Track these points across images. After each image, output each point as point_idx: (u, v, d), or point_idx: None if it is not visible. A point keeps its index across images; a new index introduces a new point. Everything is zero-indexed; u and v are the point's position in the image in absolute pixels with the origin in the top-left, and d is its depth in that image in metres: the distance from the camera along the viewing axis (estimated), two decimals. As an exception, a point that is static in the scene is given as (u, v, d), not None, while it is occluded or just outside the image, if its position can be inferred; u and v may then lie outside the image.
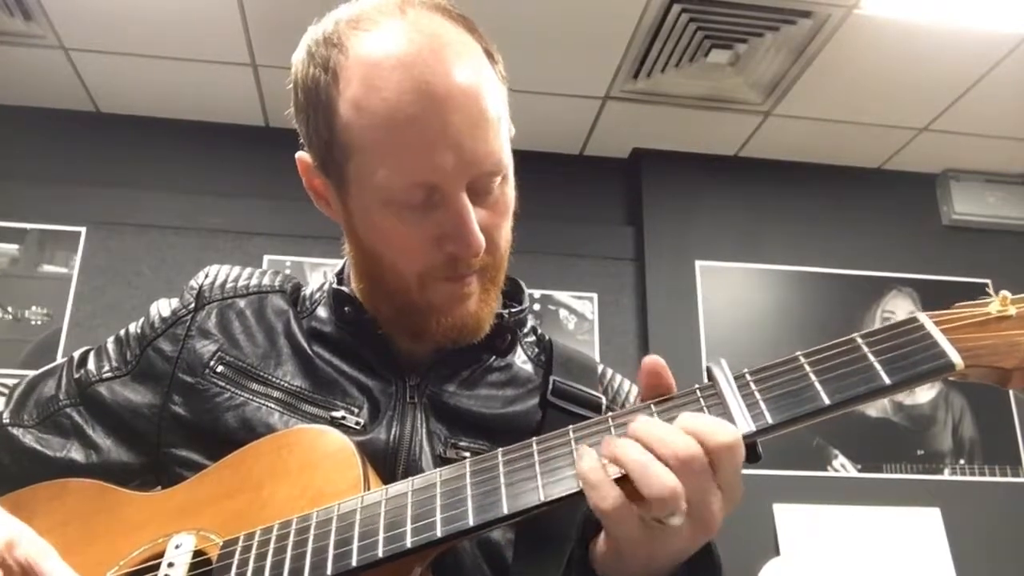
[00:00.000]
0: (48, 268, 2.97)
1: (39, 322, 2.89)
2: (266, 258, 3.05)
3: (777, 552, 2.90)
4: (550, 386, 0.94)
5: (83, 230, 3.02)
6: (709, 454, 0.64)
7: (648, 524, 0.65)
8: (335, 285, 0.96)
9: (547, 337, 1.03)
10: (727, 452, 0.64)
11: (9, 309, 2.90)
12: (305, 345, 0.94)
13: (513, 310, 0.96)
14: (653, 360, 0.72)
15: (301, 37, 0.89)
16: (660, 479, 0.63)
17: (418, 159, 0.79)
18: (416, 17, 0.82)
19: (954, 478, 3.13)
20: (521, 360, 0.98)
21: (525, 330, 1.01)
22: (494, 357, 0.96)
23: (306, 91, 0.85)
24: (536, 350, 1.01)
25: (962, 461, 3.16)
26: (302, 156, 0.91)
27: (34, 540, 0.78)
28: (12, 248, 2.97)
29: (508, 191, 0.87)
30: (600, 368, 1.02)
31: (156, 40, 2.83)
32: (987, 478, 3.14)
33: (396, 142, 0.79)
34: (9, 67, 2.97)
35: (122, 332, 1.00)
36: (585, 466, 0.66)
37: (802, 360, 0.69)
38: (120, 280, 2.96)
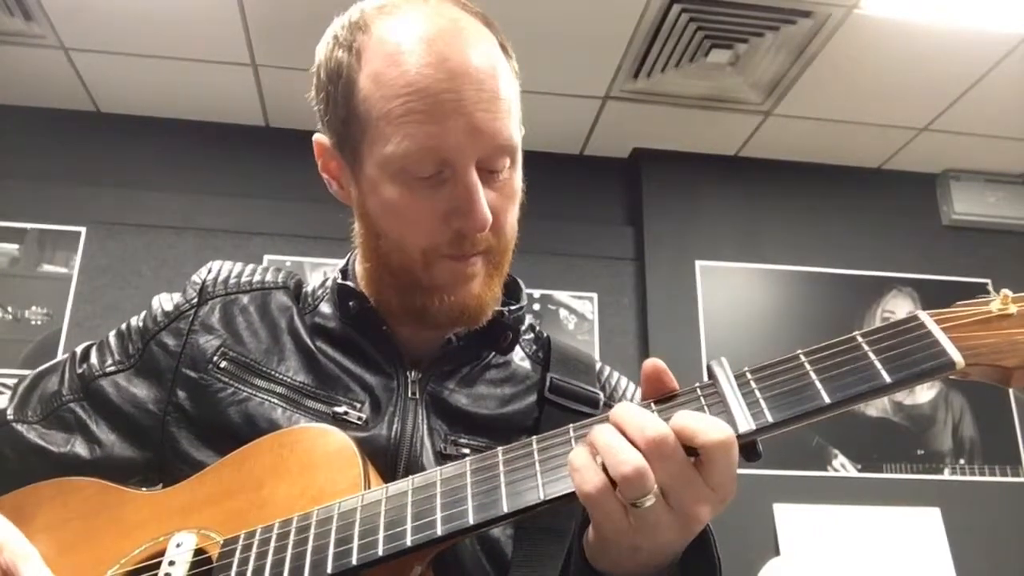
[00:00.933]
0: (48, 268, 2.97)
1: (39, 322, 2.90)
2: (266, 258, 3.05)
3: (777, 552, 2.90)
4: (548, 383, 0.95)
5: (83, 230, 3.02)
6: (702, 451, 0.64)
7: (629, 512, 0.65)
8: (339, 280, 0.96)
9: (545, 334, 1.04)
10: (720, 450, 0.64)
11: (9, 309, 2.90)
12: (308, 341, 0.94)
13: (512, 308, 0.97)
14: (654, 364, 0.72)
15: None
16: (624, 456, 0.63)
17: (431, 128, 0.80)
18: (438, 5, 0.86)
19: (954, 478, 3.13)
20: (519, 357, 0.99)
21: (523, 327, 1.01)
22: (494, 354, 0.97)
23: (328, 71, 0.88)
24: (534, 347, 1.01)
25: (962, 461, 3.16)
26: (319, 138, 0.92)
27: (19, 544, 0.78)
28: (12, 248, 2.98)
29: (516, 177, 0.89)
30: (598, 365, 1.02)
31: (156, 40, 2.83)
32: (987, 478, 3.15)
33: (410, 110, 0.81)
34: (9, 67, 2.97)
35: (123, 326, 1.00)
36: (573, 453, 0.67)
37: (803, 359, 0.69)
38: (120, 280, 2.97)
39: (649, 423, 0.65)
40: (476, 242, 0.85)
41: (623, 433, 0.65)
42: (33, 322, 2.89)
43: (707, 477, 0.65)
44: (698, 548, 0.72)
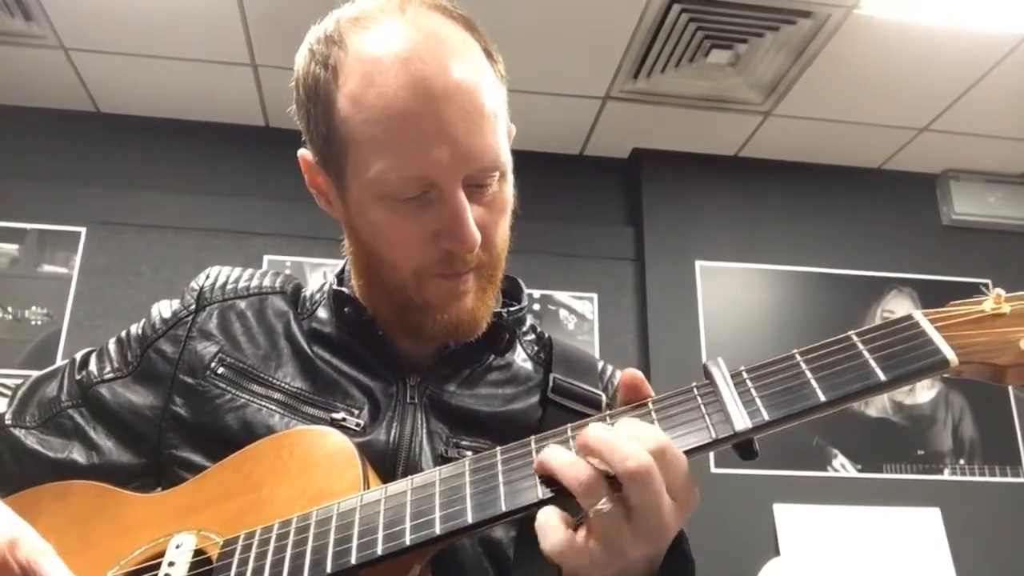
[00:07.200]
0: (48, 268, 2.98)
1: (39, 322, 2.90)
2: (266, 258, 3.05)
3: (777, 552, 2.90)
4: (550, 384, 0.94)
5: (83, 230, 3.02)
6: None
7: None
8: (335, 286, 0.96)
9: (546, 335, 1.03)
10: (633, 484, 0.63)
11: (9, 309, 2.91)
12: (306, 346, 0.94)
13: (511, 309, 0.97)
14: (632, 374, 0.72)
15: (301, 37, 0.90)
16: (576, 472, 0.65)
17: (414, 153, 0.79)
18: (415, 15, 0.83)
19: (954, 478, 3.13)
20: (521, 358, 0.99)
21: (524, 328, 1.01)
22: (493, 356, 0.96)
23: (307, 88, 0.86)
24: (536, 348, 1.01)
25: (962, 461, 3.16)
26: (304, 154, 0.91)
27: (35, 539, 0.78)
28: (12, 248, 2.98)
29: (506, 189, 0.87)
30: (600, 365, 1.02)
31: (156, 40, 2.84)
32: (987, 478, 3.15)
33: (392, 136, 0.79)
34: (9, 67, 2.98)
35: (123, 333, 1.01)
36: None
37: (798, 358, 0.69)
38: (120, 280, 2.97)
39: (631, 452, 0.63)
40: (467, 261, 0.84)
41: (607, 460, 0.65)
42: (33, 322, 2.90)
43: (630, 516, 0.64)
44: (673, 552, 0.71)
